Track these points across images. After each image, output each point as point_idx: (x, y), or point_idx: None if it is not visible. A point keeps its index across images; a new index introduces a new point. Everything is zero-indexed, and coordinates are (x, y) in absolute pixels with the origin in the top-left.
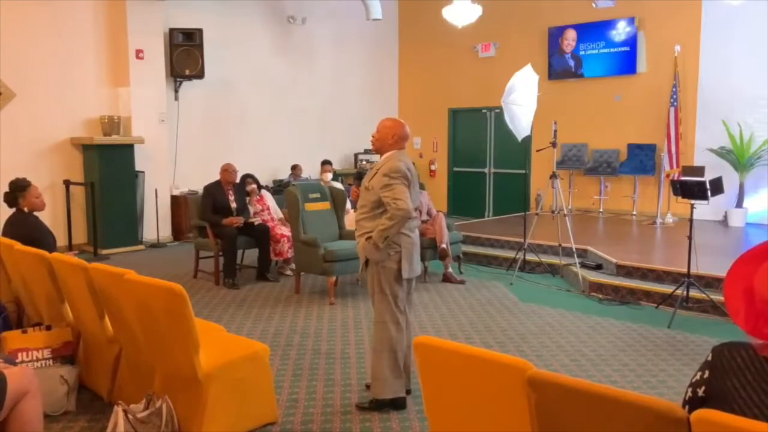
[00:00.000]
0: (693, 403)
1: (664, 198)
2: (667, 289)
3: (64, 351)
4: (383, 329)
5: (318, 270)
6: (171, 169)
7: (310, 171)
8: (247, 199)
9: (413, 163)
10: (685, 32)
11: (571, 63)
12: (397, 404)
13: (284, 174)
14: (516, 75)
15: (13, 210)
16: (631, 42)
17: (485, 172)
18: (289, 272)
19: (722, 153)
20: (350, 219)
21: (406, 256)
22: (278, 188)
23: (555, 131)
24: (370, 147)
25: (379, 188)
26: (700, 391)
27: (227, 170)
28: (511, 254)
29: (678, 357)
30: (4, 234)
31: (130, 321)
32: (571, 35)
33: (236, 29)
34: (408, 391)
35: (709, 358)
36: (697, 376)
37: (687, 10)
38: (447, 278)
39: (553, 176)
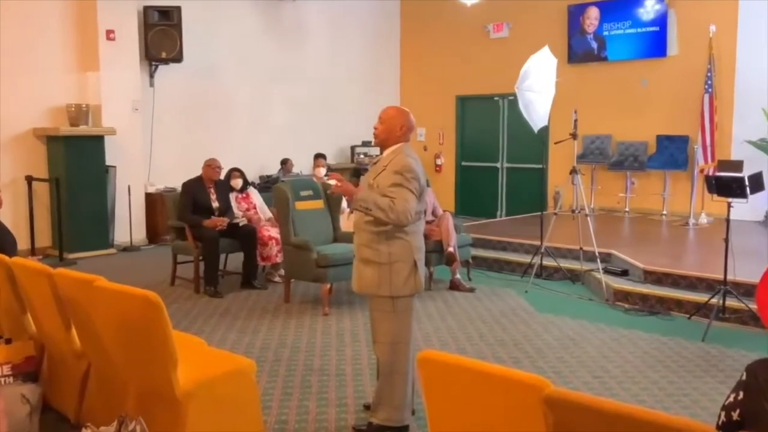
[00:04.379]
0: (728, 428)
1: (698, 196)
2: (701, 297)
3: (26, 367)
4: (395, 351)
5: (310, 276)
6: (146, 163)
7: (302, 166)
8: (231, 196)
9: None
10: (720, 10)
11: (594, 45)
12: (401, 429)
13: (273, 169)
14: (532, 58)
15: None
16: (661, 21)
17: (497, 167)
18: (277, 279)
19: (763, 145)
20: (345, 220)
21: (419, 266)
22: (266, 185)
23: (575, 121)
24: (369, 139)
25: (387, 186)
26: (735, 415)
27: (210, 166)
28: (526, 259)
29: (713, 374)
30: None
31: (100, 333)
32: (593, 13)
33: (219, 7)
34: (412, 411)
35: (743, 378)
36: (731, 398)
37: None
38: (454, 285)
39: (574, 171)
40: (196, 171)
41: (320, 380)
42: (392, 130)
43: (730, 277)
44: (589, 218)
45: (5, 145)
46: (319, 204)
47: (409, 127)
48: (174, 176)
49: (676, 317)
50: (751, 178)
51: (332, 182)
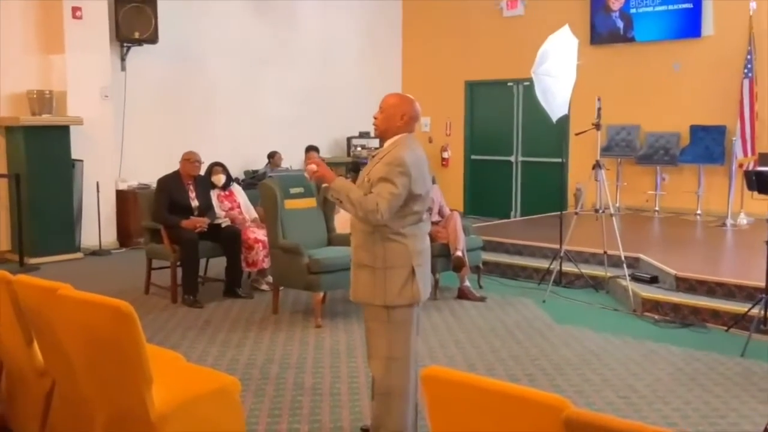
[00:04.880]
0: None
1: (736, 193)
2: (739, 307)
3: None
4: (391, 368)
5: (301, 284)
6: (116, 157)
7: (292, 159)
8: (212, 194)
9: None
10: None
11: (619, 24)
12: None
13: (259, 163)
14: (550, 39)
15: None
16: None
17: (511, 161)
18: (264, 287)
19: None
20: (341, 220)
21: (420, 273)
22: (252, 181)
23: (599, 109)
24: (368, 129)
25: (376, 180)
26: None
27: (188, 160)
28: (544, 264)
29: (753, 393)
30: None
31: (65, 348)
32: None
33: None
34: None
35: None
36: None
37: None
38: (463, 294)
39: (597, 166)
40: (173, 165)
41: (312, 401)
42: (393, 120)
43: None
44: (614, 218)
45: None
46: (311, 202)
47: (412, 116)
48: (148, 171)
49: (712, 329)
50: None
51: (313, 167)
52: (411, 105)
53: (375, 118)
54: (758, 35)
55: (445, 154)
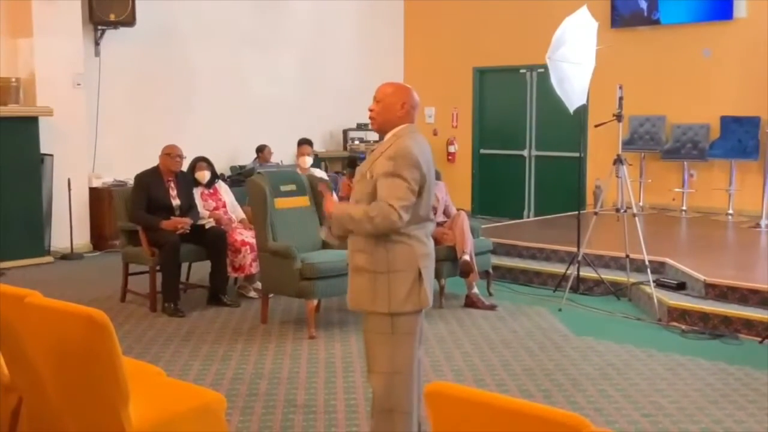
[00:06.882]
0: None
1: None
2: None
3: None
4: (394, 383)
5: (293, 291)
6: (90, 151)
7: (283, 154)
8: (195, 191)
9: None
10: None
11: (643, 5)
12: None
13: (247, 158)
14: (567, 21)
15: None
16: None
17: (524, 156)
18: (252, 294)
19: None
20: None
21: (426, 277)
22: (239, 177)
23: (620, 99)
24: (365, 121)
25: (380, 174)
26: None
27: (169, 154)
28: (560, 269)
29: None
30: None
31: (33, 361)
32: None
33: None
34: None
35: None
36: None
37: None
38: (471, 302)
39: (618, 161)
40: (152, 161)
41: (305, 419)
42: (392, 109)
43: None
44: (637, 219)
45: None
46: (303, 201)
47: (413, 105)
48: (125, 167)
49: (745, 341)
50: None
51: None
52: (410, 93)
53: (371, 110)
54: None
55: (452, 148)
